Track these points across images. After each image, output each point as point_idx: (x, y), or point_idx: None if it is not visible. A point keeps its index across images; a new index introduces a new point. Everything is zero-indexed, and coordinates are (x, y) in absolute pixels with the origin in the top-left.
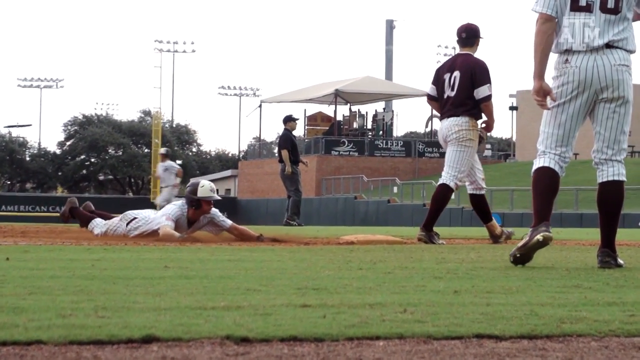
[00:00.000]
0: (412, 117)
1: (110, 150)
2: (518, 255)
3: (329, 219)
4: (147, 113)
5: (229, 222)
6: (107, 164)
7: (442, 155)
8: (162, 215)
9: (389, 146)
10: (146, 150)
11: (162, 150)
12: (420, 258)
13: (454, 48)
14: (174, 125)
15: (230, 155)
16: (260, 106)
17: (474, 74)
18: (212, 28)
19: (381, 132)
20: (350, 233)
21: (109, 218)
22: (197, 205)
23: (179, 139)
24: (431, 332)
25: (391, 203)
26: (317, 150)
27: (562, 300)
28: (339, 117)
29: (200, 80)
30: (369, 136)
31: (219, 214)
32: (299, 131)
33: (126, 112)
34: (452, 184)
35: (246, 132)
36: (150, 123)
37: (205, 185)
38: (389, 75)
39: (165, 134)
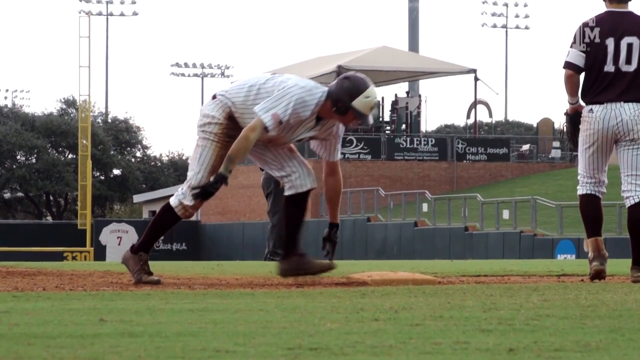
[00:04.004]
0: (447, 104)
1: (19, 157)
2: None
3: None
4: (70, 103)
5: (340, 155)
6: (15, 176)
7: (492, 158)
8: (272, 104)
9: (415, 146)
10: (70, 156)
11: None
12: (461, 304)
13: (506, 5)
14: (110, 120)
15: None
16: None
17: None
18: None
19: (404, 126)
20: (361, 270)
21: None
22: (342, 111)
23: (117, 139)
24: None
25: (419, 227)
26: (312, 153)
27: None
28: None
29: (146, 55)
30: (387, 132)
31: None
32: None
33: (41, 103)
34: None
35: None
36: (76, 117)
37: (370, 97)
38: (413, 44)
39: (97, 133)
